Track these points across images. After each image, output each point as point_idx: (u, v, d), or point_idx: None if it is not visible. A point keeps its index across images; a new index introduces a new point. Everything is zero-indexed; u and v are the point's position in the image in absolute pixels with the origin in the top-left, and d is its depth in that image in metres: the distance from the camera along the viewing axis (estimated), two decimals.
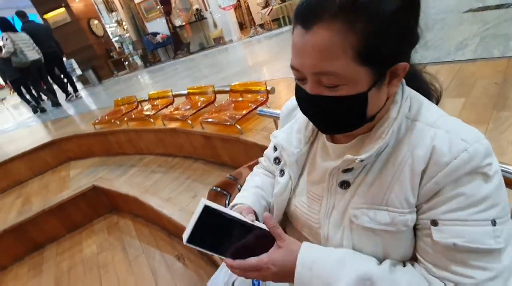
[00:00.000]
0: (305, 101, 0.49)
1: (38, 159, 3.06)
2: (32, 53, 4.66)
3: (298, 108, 0.54)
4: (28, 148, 3.03)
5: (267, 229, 0.52)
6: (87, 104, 5.11)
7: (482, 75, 1.50)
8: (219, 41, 8.01)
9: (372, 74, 0.42)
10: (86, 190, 2.33)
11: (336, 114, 0.47)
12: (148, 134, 2.41)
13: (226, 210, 0.51)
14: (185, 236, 0.47)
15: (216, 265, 1.51)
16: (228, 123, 1.62)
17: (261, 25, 8.00)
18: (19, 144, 3.44)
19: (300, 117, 0.64)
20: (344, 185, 0.52)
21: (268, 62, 3.83)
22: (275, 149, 0.68)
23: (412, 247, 0.49)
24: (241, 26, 8.96)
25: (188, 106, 2.26)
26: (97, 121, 2.86)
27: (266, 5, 7.75)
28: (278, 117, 1.40)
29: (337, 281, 0.45)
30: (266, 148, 0.82)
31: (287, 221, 0.69)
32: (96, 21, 8.17)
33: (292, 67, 0.47)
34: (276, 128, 0.90)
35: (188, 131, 2.00)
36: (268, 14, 7.59)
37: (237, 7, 8.28)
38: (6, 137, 4.43)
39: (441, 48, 2.08)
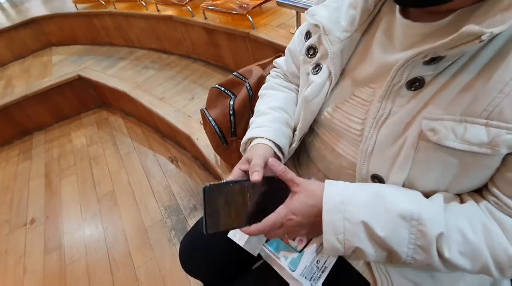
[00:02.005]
0: None
1: (17, 39, 2.73)
2: None
3: None
4: (5, 25, 2.63)
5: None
6: None
7: None
8: None
9: None
10: (71, 79, 2.13)
11: None
12: (139, 21, 2.05)
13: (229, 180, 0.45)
14: (204, 228, 0.41)
15: (209, 170, 1.46)
16: (237, 12, 1.31)
17: None
18: None
19: None
20: (416, 84, 0.36)
21: None
22: (307, 35, 0.48)
23: (488, 178, 0.36)
24: None
25: None
26: None
27: None
28: (304, 9, 1.10)
29: (375, 221, 0.36)
30: (282, 50, 0.59)
31: (310, 135, 0.54)
32: None
33: None
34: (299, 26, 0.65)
35: (186, 21, 1.67)
36: None
37: None
38: None
39: None
